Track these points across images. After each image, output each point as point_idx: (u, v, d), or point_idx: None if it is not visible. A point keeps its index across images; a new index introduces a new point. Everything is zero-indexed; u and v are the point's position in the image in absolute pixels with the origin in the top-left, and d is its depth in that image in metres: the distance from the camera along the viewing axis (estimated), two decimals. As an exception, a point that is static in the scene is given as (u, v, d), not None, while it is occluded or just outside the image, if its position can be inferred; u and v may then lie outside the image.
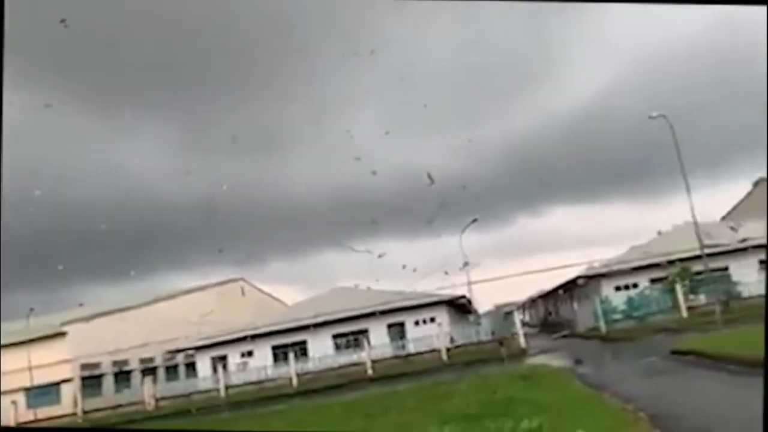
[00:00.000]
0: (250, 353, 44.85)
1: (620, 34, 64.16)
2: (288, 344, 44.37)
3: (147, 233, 50.69)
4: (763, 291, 36.08)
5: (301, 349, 45.16)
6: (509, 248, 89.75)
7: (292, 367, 36.07)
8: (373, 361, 35.83)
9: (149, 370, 47.99)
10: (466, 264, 44.34)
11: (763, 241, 40.27)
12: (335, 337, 44.91)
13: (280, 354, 44.17)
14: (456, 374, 24.89)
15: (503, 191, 67.87)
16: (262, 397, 30.77)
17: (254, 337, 44.42)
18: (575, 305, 45.30)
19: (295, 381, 34.89)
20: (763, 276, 38.12)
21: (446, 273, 46.19)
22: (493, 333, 40.66)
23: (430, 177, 24.75)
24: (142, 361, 49.58)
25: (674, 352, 20.07)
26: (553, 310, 61.68)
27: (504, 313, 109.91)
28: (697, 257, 40.17)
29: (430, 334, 40.19)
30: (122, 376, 49.06)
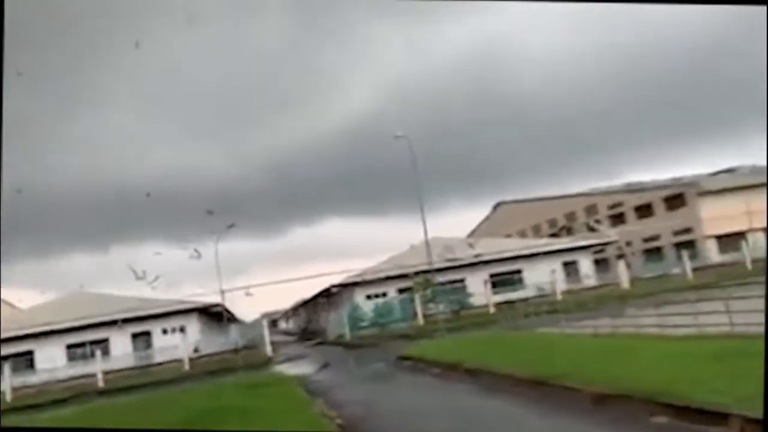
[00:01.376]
0: (-41, 365, 38.53)
1: (384, 58, 67.86)
2: (10, 354, 39.08)
3: None
4: (485, 302, 40.32)
5: (27, 360, 40.19)
6: (283, 257, 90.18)
7: (6, 381, 31.62)
8: (108, 372, 32.90)
9: None
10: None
11: (492, 257, 45.43)
12: (70, 347, 40.71)
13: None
14: (193, 384, 23.82)
15: (276, 202, 67.82)
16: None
17: (-35, 347, 38.21)
18: (330, 313, 46.43)
19: (9, 396, 30.60)
20: (488, 288, 42.49)
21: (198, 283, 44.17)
22: (246, 342, 40.05)
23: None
24: None
25: (399, 358, 21.30)
26: (313, 318, 62.72)
27: (270, 321, 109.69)
28: (441, 269, 43.97)
29: (178, 344, 38.17)
30: None
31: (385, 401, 13.51)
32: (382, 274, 42.90)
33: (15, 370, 39.15)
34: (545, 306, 31.92)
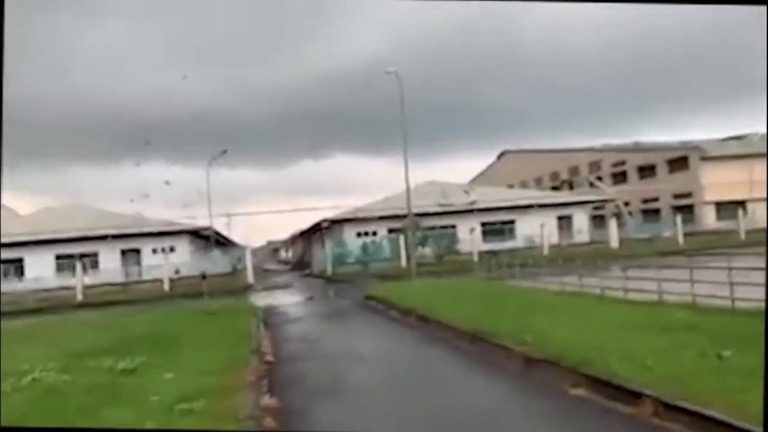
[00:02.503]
0: (-52, 266, 39.07)
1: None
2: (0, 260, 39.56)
3: None
4: (473, 249, 40.08)
5: (17, 268, 40.68)
6: (290, 188, 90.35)
7: (-14, 286, 31.99)
8: (90, 287, 33.17)
9: None
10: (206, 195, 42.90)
11: (486, 206, 44.97)
12: (59, 257, 41.05)
13: (-10, 270, 39.18)
14: (164, 305, 23.97)
15: (287, 134, 67.24)
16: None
17: (-46, 249, 38.58)
18: (320, 247, 46.42)
19: (-14, 301, 30.95)
20: (475, 236, 42.21)
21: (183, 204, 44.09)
22: (233, 267, 40.27)
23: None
24: None
25: (366, 297, 21.20)
26: (308, 250, 63.02)
27: (272, 249, 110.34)
28: (433, 213, 43.65)
29: (166, 264, 38.36)
30: None
31: (328, 340, 13.36)
32: (369, 213, 42.57)
33: (5, 275, 39.77)
34: (529, 259, 31.65)
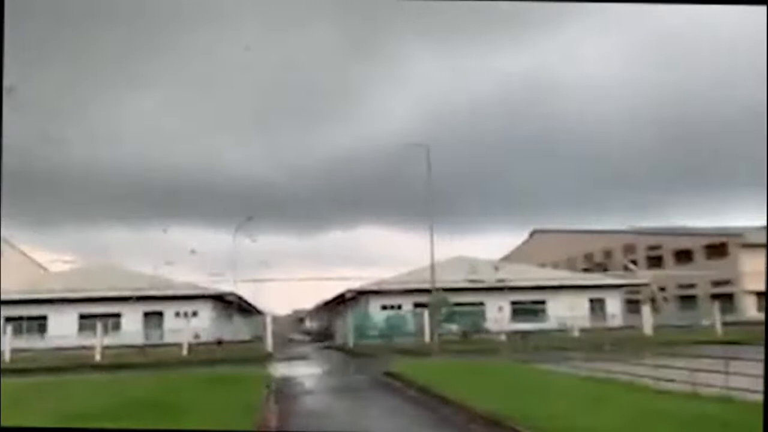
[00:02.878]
0: (-27, 321, 39.28)
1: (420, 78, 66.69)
2: (24, 317, 39.76)
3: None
4: (501, 328, 38.90)
5: (40, 325, 40.77)
6: (317, 257, 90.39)
7: (6, 344, 31.86)
8: (107, 347, 32.83)
9: None
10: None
11: (517, 284, 43.92)
12: (83, 317, 41.06)
13: (13, 326, 39.28)
14: (178, 370, 23.45)
15: (316, 205, 67.93)
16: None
17: (-17, 305, 38.90)
18: (344, 318, 45.64)
19: (7, 357, 30.81)
20: (504, 314, 41.13)
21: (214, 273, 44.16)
22: (253, 335, 39.71)
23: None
24: None
25: (384, 373, 20.35)
26: (332, 320, 62.15)
27: (297, 319, 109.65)
28: (461, 289, 42.74)
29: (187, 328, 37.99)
30: None
31: (337, 417, 12.62)
32: (395, 286, 41.89)
33: (28, 331, 39.87)
34: (558, 341, 30.45)
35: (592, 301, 43.75)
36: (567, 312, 40.66)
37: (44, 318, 40.63)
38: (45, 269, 58.66)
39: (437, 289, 41.08)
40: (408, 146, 32.12)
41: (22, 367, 26.02)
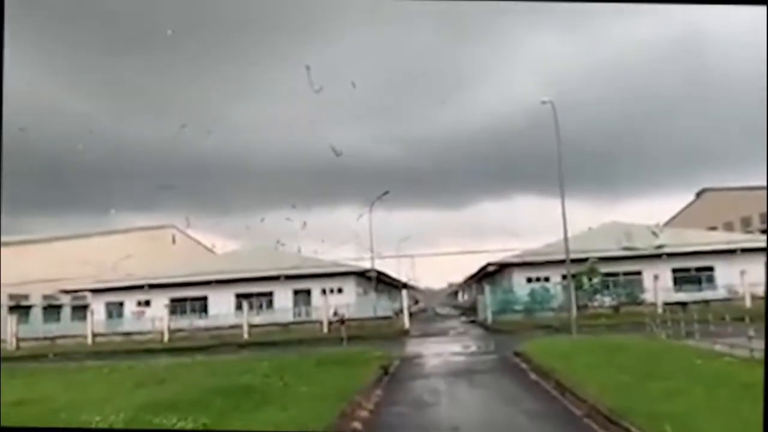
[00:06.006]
0: (147, 302, 43.11)
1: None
2: (187, 298, 42.93)
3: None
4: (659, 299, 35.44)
5: (201, 305, 43.72)
6: (470, 229, 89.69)
7: (165, 323, 34.43)
8: (255, 326, 34.34)
9: (19, 308, 44.91)
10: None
11: (678, 249, 39.64)
12: (239, 296, 43.45)
13: (178, 306, 42.65)
14: (312, 348, 23.68)
15: (468, 177, 67.28)
16: (123, 349, 29.21)
17: (153, 286, 42.60)
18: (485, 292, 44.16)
19: (166, 337, 33.33)
20: (662, 284, 37.40)
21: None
22: (394, 311, 39.57)
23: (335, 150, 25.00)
24: (12, 297, 46.20)
25: (514, 353, 18.97)
26: (479, 294, 60.88)
27: (452, 292, 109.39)
28: (618, 258, 39.45)
29: (333, 304, 38.79)
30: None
31: (440, 407, 11.57)
32: (539, 257, 39.49)
33: (192, 311, 43.06)
34: (726, 312, 26.84)
35: (770, 265, 38.33)
36: (739, 279, 36.03)
37: (205, 299, 43.49)
38: (213, 252, 63.32)
39: (585, 259, 38.28)
40: (542, 105, 29.59)
41: (176, 347, 27.82)
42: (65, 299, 49.04)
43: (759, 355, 14.15)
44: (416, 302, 74.35)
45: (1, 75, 4.51)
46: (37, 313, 47.08)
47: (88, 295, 44.37)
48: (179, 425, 8.39)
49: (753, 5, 4.11)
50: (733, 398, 9.19)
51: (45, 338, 35.33)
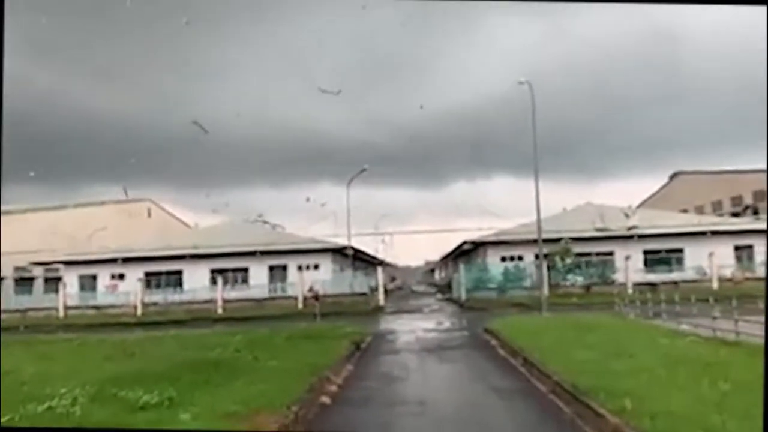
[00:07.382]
0: (121, 276, 42.69)
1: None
2: (162, 272, 42.61)
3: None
4: (630, 279, 36.09)
5: (176, 279, 43.45)
6: (445, 208, 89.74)
7: (139, 296, 34.22)
8: (229, 301, 34.29)
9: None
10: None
11: (650, 231, 40.29)
12: (214, 271, 43.23)
13: (153, 280, 42.32)
14: (286, 323, 23.68)
15: (446, 158, 66.91)
16: (96, 323, 29.02)
17: (127, 260, 42.19)
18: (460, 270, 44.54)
19: (139, 311, 33.15)
20: (633, 264, 38.07)
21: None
22: (370, 287, 39.73)
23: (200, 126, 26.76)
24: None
25: (485, 330, 19.24)
26: (454, 272, 61.36)
27: (429, 270, 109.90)
28: (591, 239, 39.99)
29: (309, 280, 38.74)
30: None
31: (409, 382, 11.73)
32: (513, 236, 39.83)
33: (166, 285, 42.74)
34: (693, 294, 27.42)
35: (738, 248, 39.16)
36: (707, 261, 36.81)
37: (180, 273, 43.19)
38: (189, 227, 62.74)
39: (559, 239, 38.74)
40: (516, 85, 29.64)
41: (149, 321, 27.68)
42: (38, 271, 48.36)
43: (721, 334, 14.58)
44: (393, 280, 74.73)
45: (1, 72, 4.52)
46: (8, 286, 46.40)
47: (61, 267, 43.80)
48: (144, 398, 8.36)
49: (753, 5, 3.99)
50: (692, 376, 9.44)
51: (16, 311, 34.92)
